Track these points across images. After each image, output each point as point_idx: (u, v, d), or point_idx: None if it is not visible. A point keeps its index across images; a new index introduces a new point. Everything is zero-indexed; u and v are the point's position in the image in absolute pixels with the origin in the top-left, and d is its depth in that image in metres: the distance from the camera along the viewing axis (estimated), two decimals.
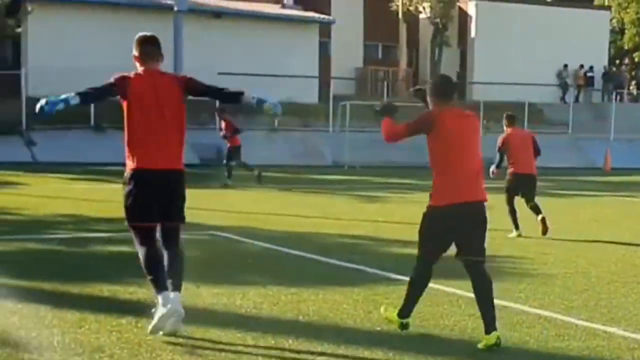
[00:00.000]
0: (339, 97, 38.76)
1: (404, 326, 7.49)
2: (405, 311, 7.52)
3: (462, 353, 6.83)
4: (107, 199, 18.42)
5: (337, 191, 22.30)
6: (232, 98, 8.00)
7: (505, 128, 15.16)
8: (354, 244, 13.31)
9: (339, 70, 45.06)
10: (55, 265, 10.64)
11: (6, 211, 16.47)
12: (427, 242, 7.59)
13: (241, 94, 7.85)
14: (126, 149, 7.57)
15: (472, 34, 48.37)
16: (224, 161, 25.26)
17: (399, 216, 17.25)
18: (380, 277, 10.17)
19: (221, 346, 6.85)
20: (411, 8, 47.24)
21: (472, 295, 8.95)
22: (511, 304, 8.74)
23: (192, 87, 7.74)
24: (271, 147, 35.93)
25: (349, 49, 46.39)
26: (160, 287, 7.29)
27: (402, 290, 9.10)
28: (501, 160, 15.00)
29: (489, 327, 7.07)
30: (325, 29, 44.03)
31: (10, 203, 17.74)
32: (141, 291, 8.95)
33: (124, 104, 7.48)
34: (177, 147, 7.60)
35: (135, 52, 7.83)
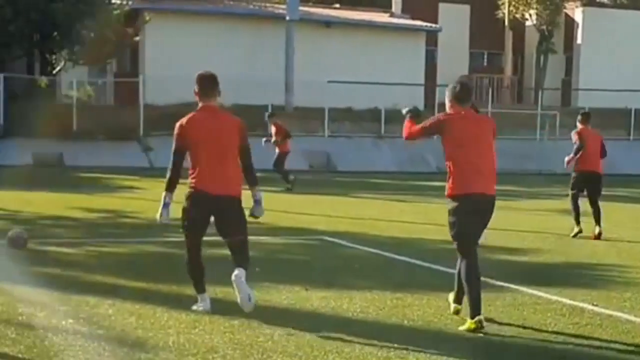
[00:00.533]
0: (444, 104, 38.52)
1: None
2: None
3: None
4: None
5: (441, 198, 22.14)
6: (247, 178, 8.80)
7: (578, 125, 15.72)
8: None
9: (444, 78, 44.80)
10: (170, 268, 10.88)
11: (124, 214, 16.90)
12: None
13: (254, 184, 8.84)
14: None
15: (579, 40, 47.58)
16: (273, 167, 24.66)
17: (503, 223, 17.09)
18: (483, 283, 10.07)
19: (329, 348, 6.94)
20: (517, 15, 46.75)
21: (576, 303, 8.93)
22: (616, 313, 8.63)
23: (241, 135, 8.62)
24: (377, 154, 35.99)
25: (454, 57, 46.12)
26: None
27: (504, 297, 9.15)
28: (577, 152, 15.29)
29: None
30: (431, 37, 43.90)
31: (128, 206, 18.18)
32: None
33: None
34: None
35: (195, 89, 8.67)
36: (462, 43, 47.15)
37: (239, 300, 8.08)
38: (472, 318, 7.70)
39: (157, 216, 8.66)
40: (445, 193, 8.41)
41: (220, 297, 8.96)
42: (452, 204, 8.34)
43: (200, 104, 8.62)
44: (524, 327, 7.87)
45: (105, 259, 11.46)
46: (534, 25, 46.96)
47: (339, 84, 36.09)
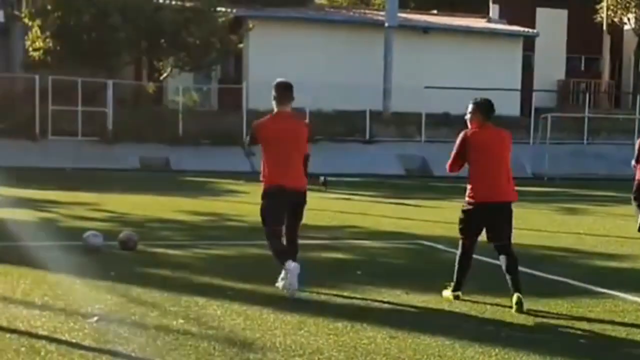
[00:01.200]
0: (540, 109, 38.10)
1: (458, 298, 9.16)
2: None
3: None
4: (323, 207, 18.84)
5: (537, 203, 21.97)
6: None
7: None
8: (556, 256, 13.13)
9: (541, 83, 44.32)
10: (275, 270, 10.98)
11: (229, 217, 17.13)
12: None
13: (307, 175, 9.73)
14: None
15: None
16: None
17: (600, 229, 16.87)
18: (582, 290, 10.02)
19: (430, 352, 6.95)
20: (615, 19, 45.96)
21: None
22: None
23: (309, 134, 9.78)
24: None
25: (551, 62, 45.56)
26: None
27: (605, 304, 9.01)
28: (637, 161, 16.44)
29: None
30: (529, 42, 43.44)
31: (232, 210, 18.42)
32: (354, 296, 9.18)
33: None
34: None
35: (273, 94, 9.85)
36: (559, 48, 46.54)
37: (281, 284, 9.21)
38: (454, 291, 9.23)
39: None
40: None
41: (324, 300, 9.03)
42: (465, 207, 9.42)
43: (275, 110, 9.72)
44: (627, 334, 7.74)
45: (212, 261, 11.64)
46: (632, 29, 46.09)
47: (435, 90, 35.97)
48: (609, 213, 20.66)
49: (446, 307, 8.75)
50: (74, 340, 7.02)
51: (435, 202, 22.52)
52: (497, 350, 7.04)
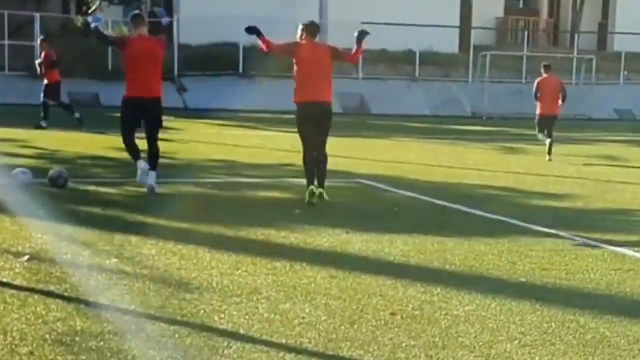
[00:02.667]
0: (479, 47, 38.21)
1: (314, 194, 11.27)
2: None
3: (609, 306, 6.75)
4: (258, 145, 18.77)
5: (476, 142, 22.14)
6: None
7: (543, 74, 19.31)
8: (495, 195, 13.24)
9: (479, 20, 44.31)
10: (210, 209, 10.94)
11: (161, 154, 16.90)
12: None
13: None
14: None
15: None
16: (43, 100, 21.93)
17: (539, 168, 17.05)
18: (522, 229, 10.11)
19: (372, 291, 6.95)
20: None
21: (617, 249, 8.89)
22: None
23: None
24: (411, 97, 35.79)
25: None
26: None
27: (545, 243, 9.12)
28: (535, 97, 19.13)
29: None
30: None
31: (165, 147, 18.00)
32: (293, 236, 9.15)
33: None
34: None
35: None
36: None
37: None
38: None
39: None
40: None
41: (262, 239, 8.99)
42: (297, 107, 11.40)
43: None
44: (566, 273, 7.84)
45: (145, 199, 11.50)
46: None
47: (373, 25, 35.77)
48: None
49: (387, 246, 8.76)
50: (4, 280, 6.90)
51: (373, 140, 22.56)
52: (439, 289, 7.07)
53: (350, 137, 22.80)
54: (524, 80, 37.76)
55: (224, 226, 9.58)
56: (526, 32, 42.63)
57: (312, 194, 11.34)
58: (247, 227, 9.47)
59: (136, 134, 12.20)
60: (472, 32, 40.65)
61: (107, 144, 17.92)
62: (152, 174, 11.64)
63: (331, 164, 16.17)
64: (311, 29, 11.56)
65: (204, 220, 9.90)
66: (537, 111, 19.24)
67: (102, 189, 12.01)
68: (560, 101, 18.99)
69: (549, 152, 18.55)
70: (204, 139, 20.65)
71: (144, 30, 11.99)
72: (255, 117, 27.89)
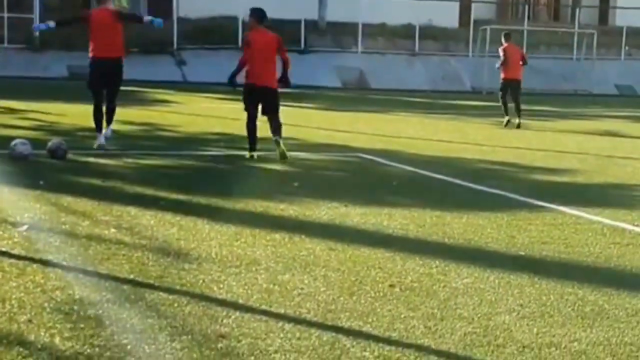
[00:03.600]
0: (479, 21, 38.11)
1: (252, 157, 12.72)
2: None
3: (609, 280, 6.76)
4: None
5: (476, 117, 22.13)
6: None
7: (503, 42, 20.93)
8: (494, 170, 13.25)
9: None
10: (209, 181, 10.95)
11: (161, 127, 16.97)
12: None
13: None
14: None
15: None
16: None
17: (538, 143, 17.04)
18: (521, 203, 10.11)
19: (371, 263, 6.96)
20: None
21: (617, 223, 8.91)
22: None
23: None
24: (410, 72, 35.73)
25: None
26: None
27: (544, 217, 9.14)
28: (502, 64, 20.54)
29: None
30: None
31: (164, 120, 18.24)
32: (292, 208, 9.15)
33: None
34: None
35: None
36: None
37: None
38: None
39: None
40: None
41: (261, 211, 8.99)
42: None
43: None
44: (566, 247, 7.84)
45: (144, 171, 11.52)
46: None
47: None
48: (547, 128, 20.89)
49: (386, 219, 8.76)
50: (3, 249, 6.91)
51: (372, 114, 22.53)
52: (437, 262, 7.08)
53: (349, 112, 22.84)
54: None
55: (223, 198, 9.58)
56: (527, 7, 42.50)
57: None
58: (246, 199, 9.47)
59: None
60: (473, 6, 40.54)
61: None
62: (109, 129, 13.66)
63: (330, 138, 16.30)
64: (257, 16, 12.92)
65: (203, 192, 9.89)
66: (502, 76, 20.74)
67: (101, 161, 12.01)
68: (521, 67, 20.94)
69: (518, 125, 19.95)
70: (204, 112, 20.61)
71: (106, 4, 13.65)
72: None
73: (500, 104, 20.82)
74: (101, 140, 13.13)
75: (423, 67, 36.22)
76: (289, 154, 13.05)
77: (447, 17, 39.08)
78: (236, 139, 15.54)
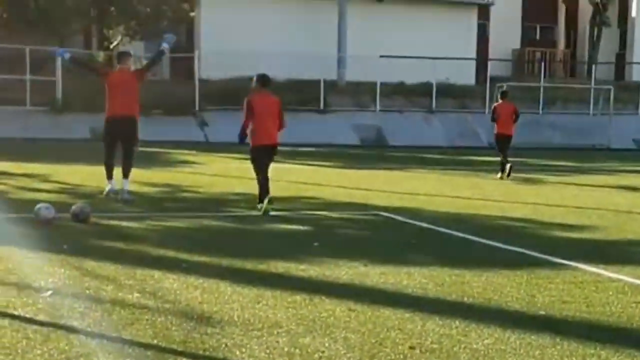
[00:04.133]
0: (496, 78, 38.25)
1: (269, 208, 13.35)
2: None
3: (631, 340, 6.71)
4: (277, 177, 18.72)
5: (493, 173, 22.08)
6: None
7: (499, 99, 22.27)
8: (513, 226, 13.20)
9: (496, 52, 44.48)
10: (231, 242, 10.96)
11: (183, 188, 17.03)
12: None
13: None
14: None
15: (633, 13, 46.83)
16: None
17: (556, 199, 16.99)
18: (541, 260, 10.06)
19: (390, 324, 6.93)
20: None
21: (637, 281, 8.84)
22: None
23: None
24: (428, 128, 35.83)
25: (506, 31, 45.72)
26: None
27: (564, 275, 9.08)
28: (493, 120, 21.92)
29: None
30: (483, 11, 43.51)
31: (187, 181, 18.32)
32: (312, 269, 9.14)
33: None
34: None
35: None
36: (514, 16, 46.71)
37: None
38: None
39: None
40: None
41: (282, 272, 8.98)
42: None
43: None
44: (587, 306, 7.79)
45: (167, 233, 11.54)
46: None
47: (391, 59, 35.95)
48: (565, 183, 20.83)
49: (405, 279, 8.74)
50: (27, 315, 6.91)
51: (391, 172, 22.56)
52: (457, 322, 7.04)
53: (368, 169, 22.88)
54: (540, 112, 37.80)
55: (245, 259, 9.58)
56: (543, 64, 42.67)
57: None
58: (267, 260, 9.48)
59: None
60: (489, 64, 40.73)
61: (130, 179, 17.99)
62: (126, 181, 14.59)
63: (348, 196, 16.32)
64: (263, 81, 13.72)
65: (225, 253, 9.91)
66: (495, 131, 22.10)
67: (124, 224, 12.05)
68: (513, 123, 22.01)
69: (508, 173, 21.06)
70: (225, 172, 20.69)
71: (127, 64, 14.82)
72: None
73: (499, 158, 21.64)
74: (125, 196, 14.10)
75: (440, 123, 36.32)
76: (311, 213, 13.07)
77: (464, 74, 39.27)
78: (257, 199, 15.58)
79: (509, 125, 21.83)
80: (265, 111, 13.54)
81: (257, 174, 13.75)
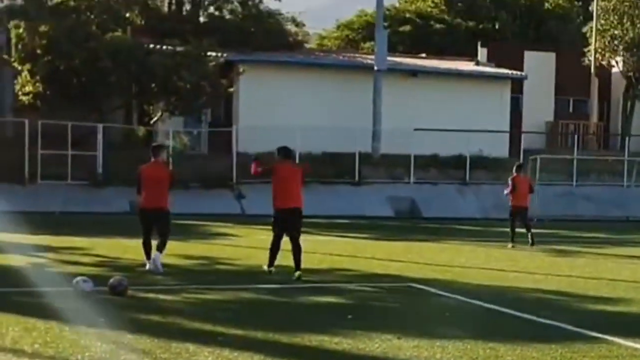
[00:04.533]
0: (529, 151, 38.17)
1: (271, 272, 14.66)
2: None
3: None
4: (312, 250, 18.75)
5: (527, 245, 21.93)
6: None
7: (514, 173, 22.68)
8: (547, 299, 13.07)
9: (529, 125, 44.46)
10: (266, 315, 10.94)
11: (219, 261, 17.07)
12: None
13: None
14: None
15: None
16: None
17: (590, 271, 16.83)
18: (575, 334, 9.95)
19: None
20: (603, 62, 46.25)
21: None
22: None
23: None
24: (462, 200, 35.73)
25: (540, 104, 45.75)
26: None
27: (599, 349, 8.96)
28: (511, 192, 22.36)
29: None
30: (517, 85, 43.61)
31: (223, 253, 18.37)
32: (346, 342, 9.10)
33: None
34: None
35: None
36: (547, 90, 46.75)
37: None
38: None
39: None
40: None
41: (316, 345, 8.95)
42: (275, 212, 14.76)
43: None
44: None
45: (203, 306, 11.54)
46: (621, 72, 46.41)
47: (425, 132, 36.07)
48: (599, 255, 20.62)
49: (439, 352, 8.66)
50: None
51: (424, 243, 22.47)
52: None
53: (402, 241, 22.83)
54: (574, 183, 37.60)
55: (280, 332, 9.55)
56: (576, 136, 42.59)
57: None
58: (301, 333, 9.44)
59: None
60: (523, 136, 40.70)
61: (167, 251, 18.07)
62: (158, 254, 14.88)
63: (382, 267, 16.26)
64: (284, 153, 14.90)
65: (260, 326, 9.89)
66: (511, 203, 22.52)
67: (161, 296, 12.08)
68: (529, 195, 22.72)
69: (532, 242, 21.83)
70: (261, 245, 20.60)
71: (161, 157, 15.62)
72: (310, 222, 27.89)
73: (508, 229, 22.32)
74: (156, 264, 14.64)
75: (474, 195, 36.22)
76: (345, 285, 13.05)
77: (498, 147, 39.23)
78: (292, 271, 15.56)
79: (525, 198, 22.44)
80: (287, 177, 14.54)
81: (273, 238, 15.05)
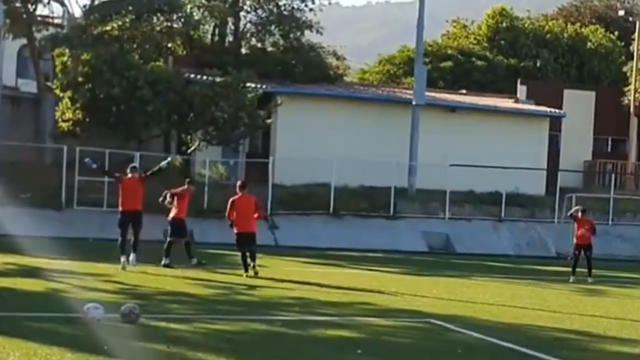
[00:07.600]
0: (566, 189, 37.64)
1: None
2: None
3: None
4: (338, 283, 18.54)
5: (557, 282, 21.52)
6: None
7: (579, 215, 24.57)
8: (565, 338, 12.69)
9: (567, 163, 43.87)
10: (273, 347, 10.70)
11: (239, 291, 16.86)
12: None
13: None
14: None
15: None
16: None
17: (615, 311, 16.39)
18: None
19: None
20: None
21: None
22: None
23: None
24: (496, 237, 35.27)
25: (578, 142, 45.15)
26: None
27: None
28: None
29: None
30: (555, 123, 43.09)
31: (245, 283, 18.17)
32: None
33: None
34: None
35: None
36: (586, 129, 46.16)
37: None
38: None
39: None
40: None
41: None
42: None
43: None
44: None
45: (211, 336, 11.33)
46: None
47: (461, 168, 35.73)
48: (628, 295, 20.14)
49: None
50: None
51: (453, 279, 22.09)
52: None
53: (430, 276, 22.50)
54: (610, 223, 36.95)
55: None
56: (614, 175, 41.96)
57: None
58: None
59: None
60: (560, 174, 40.17)
61: (191, 280, 17.93)
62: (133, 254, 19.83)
63: (404, 303, 15.96)
64: (242, 186, 20.65)
65: (264, 358, 9.65)
66: (575, 241, 24.44)
67: (172, 325, 11.88)
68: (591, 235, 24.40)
69: (590, 274, 23.75)
70: (286, 276, 20.45)
71: (135, 175, 20.43)
72: (342, 255, 27.78)
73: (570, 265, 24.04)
74: (132, 261, 19.75)
75: (509, 232, 35.73)
76: (361, 319, 12.80)
77: (534, 184, 38.73)
78: (311, 303, 15.35)
79: (588, 237, 24.27)
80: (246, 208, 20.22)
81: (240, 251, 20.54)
